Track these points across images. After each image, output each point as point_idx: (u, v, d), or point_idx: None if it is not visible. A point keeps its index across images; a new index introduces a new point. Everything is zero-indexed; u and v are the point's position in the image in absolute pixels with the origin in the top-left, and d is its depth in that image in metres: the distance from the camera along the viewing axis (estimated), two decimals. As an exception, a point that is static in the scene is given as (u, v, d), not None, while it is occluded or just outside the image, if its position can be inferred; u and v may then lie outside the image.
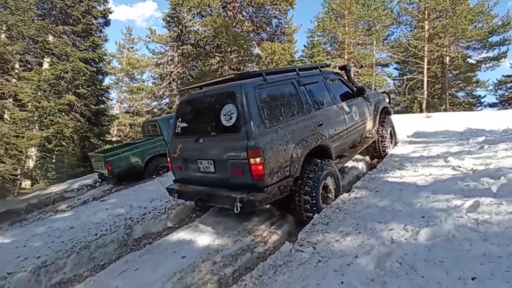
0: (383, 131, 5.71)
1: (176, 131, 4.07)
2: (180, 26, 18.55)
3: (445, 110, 24.14)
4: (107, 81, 21.17)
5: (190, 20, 18.29)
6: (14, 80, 15.06)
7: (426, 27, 24.55)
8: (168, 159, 4.18)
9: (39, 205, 7.38)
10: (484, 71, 26.33)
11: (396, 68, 31.52)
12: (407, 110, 26.83)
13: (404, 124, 9.59)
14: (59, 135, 15.10)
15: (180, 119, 4.04)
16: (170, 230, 4.17)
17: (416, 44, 24.87)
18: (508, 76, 29.78)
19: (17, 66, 15.33)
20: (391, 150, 6.01)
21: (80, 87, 16.28)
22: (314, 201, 3.54)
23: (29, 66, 15.44)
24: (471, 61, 26.06)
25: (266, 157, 3.12)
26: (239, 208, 3.07)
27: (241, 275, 2.83)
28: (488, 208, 2.70)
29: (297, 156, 3.46)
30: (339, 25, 25.28)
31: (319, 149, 3.83)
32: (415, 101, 26.29)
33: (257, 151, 3.07)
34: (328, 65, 5.18)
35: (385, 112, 5.99)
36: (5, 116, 14.85)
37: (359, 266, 2.36)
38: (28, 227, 5.11)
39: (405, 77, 27.96)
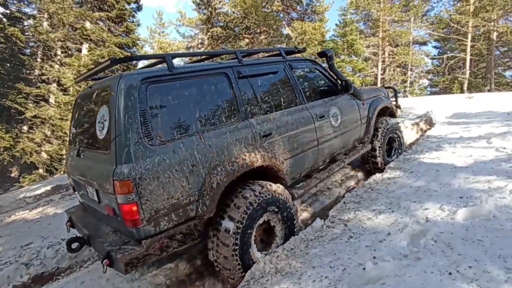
0: (378, 139, 4.34)
1: (70, 137, 3.08)
2: (210, 9, 18.55)
3: (489, 90, 22.42)
4: (140, 65, 21.86)
5: (220, 2, 18.21)
6: (57, 66, 16.03)
7: (472, 0, 22.52)
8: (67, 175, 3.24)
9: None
10: (538, 47, 23.90)
11: (435, 47, 29.55)
12: (446, 91, 25.23)
13: (443, 105, 9.09)
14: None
15: (73, 122, 3.04)
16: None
17: (460, 19, 22.98)
18: None
19: (59, 52, 16.26)
20: (437, 126, 5.19)
21: (116, 72, 17.00)
22: (241, 254, 2.41)
23: (69, 52, 16.32)
24: (522, 36, 23.69)
25: (146, 192, 2.05)
26: (105, 267, 2.12)
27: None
28: (535, 189, 2.57)
29: (210, 186, 2.33)
30: (373, 1, 23.89)
31: (261, 170, 2.73)
32: (456, 81, 24.63)
33: (127, 183, 1.99)
34: (302, 50, 3.86)
35: (388, 114, 4.77)
36: (51, 100, 15.95)
37: (392, 242, 2.37)
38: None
39: (445, 56, 26.18)
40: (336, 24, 26.66)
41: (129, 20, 17.67)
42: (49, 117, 14.99)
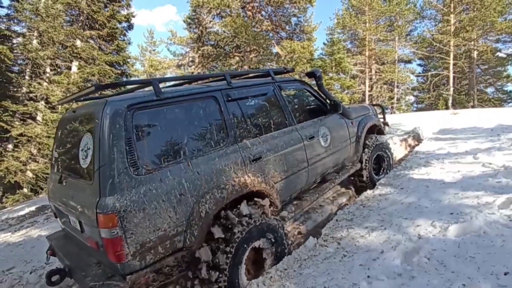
0: (366, 157, 4.34)
1: (52, 162, 2.94)
2: (201, 28, 18.86)
3: (473, 106, 23.15)
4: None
5: (210, 21, 18.55)
6: (45, 84, 15.86)
7: (452, 21, 23.62)
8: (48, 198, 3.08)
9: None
10: (516, 65, 25.01)
11: (419, 64, 30.60)
12: (432, 107, 25.95)
13: (429, 121, 9.31)
14: (86, 135, 15.77)
15: (55, 145, 2.93)
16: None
17: (441, 38, 23.99)
18: (542, 70, 28.17)
19: (48, 70, 16.13)
20: (424, 141, 5.33)
21: (106, 90, 16.92)
22: (230, 282, 2.28)
23: (59, 70, 16.22)
24: (501, 54, 24.85)
25: (131, 225, 1.94)
26: None
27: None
28: (522, 205, 2.62)
29: (198, 215, 2.24)
30: (359, 21, 24.78)
31: (250, 195, 2.65)
32: (441, 98, 25.39)
33: (111, 217, 1.88)
34: (291, 70, 3.90)
35: (377, 132, 4.76)
36: (38, 117, 15.68)
37: (386, 261, 2.35)
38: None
39: (429, 73, 27.10)
40: (324, 43, 27.44)
41: (120, 39, 17.80)
42: (35, 135, 14.69)
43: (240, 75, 3.67)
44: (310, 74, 4.08)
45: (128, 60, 18.88)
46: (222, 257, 2.24)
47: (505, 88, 28.14)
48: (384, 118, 5.25)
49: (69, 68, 16.35)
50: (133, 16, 18.29)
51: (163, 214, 2.08)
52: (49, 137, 14.69)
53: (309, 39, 19.45)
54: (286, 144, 3.06)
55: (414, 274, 2.12)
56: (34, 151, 15.30)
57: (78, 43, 16.03)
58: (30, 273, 3.50)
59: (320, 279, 2.35)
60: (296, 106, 3.72)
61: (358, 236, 2.89)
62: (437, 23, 26.13)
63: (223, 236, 2.31)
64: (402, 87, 28.46)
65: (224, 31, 17.95)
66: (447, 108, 22.22)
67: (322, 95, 3.96)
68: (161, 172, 2.14)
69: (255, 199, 2.68)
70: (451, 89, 24.70)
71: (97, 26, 16.72)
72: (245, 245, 2.40)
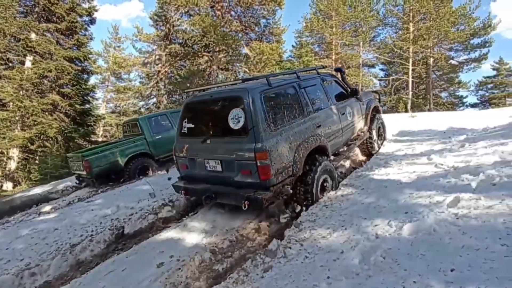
0: (372, 128, 5.98)
1: (182, 131, 4.17)
2: (168, 25, 18.38)
3: (429, 110, 24.74)
4: (92, 80, 20.75)
5: (178, 19, 18.15)
6: (-6, 79, 14.59)
7: (411, 29, 25.09)
8: (174, 157, 4.33)
9: (22, 207, 7.17)
10: (466, 72, 27.28)
11: (382, 69, 32.20)
12: (393, 110, 27.34)
13: (390, 123, 9.76)
14: (42, 135, 14.69)
15: (186, 120, 4.15)
16: (158, 230, 4.14)
17: (402, 45, 25.41)
18: (488, 77, 30.89)
19: (-3, 64, 14.86)
20: (381, 146, 6.26)
21: (65, 87, 15.87)
22: (314, 193, 3.81)
23: (10, 64, 14.99)
24: (453, 62, 26.87)
25: (272, 158, 3.29)
26: (246, 206, 3.29)
27: (229, 272, 2.85)
28: (467, 203, 2.80)
29: (299, 156, 3.64)
30: (326, 26, 25.56)
31: (318, 148, 4.03)
32: (401, 101, 26.85)
33: (264, 153, 3.24)
34: (325, 67, 5.98)
35: (376, 111, 6.30)
36: (-15, 116, 14.37)
37: (345, 261, 2.42)
38: (10, 229, 4.98)
39: (391, 78, 28.55)
40: (292, 46, 27.98)
41: (81, 33, 16.83)
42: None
43: (304, 71, 5.18)
44: (337, 70, 6.15)
45: (90, 56, 17.89)
46: (309, 180, 3.77)
47: (457, 93, 30.55)
48: (379, 101, 6.81)
49: (22, 63, 15.17)
50: (96, 10, 17.40)
51: (284, 153, 3.51)
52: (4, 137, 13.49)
53: (278, 41, 19.71)
54: (331, 117, 4.61)
55: (370, 273, 2.19)
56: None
57: (33, 36, 14.92)
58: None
59: (282, 282, 2.36)
60: (332, 92, 5.05)
61: (320, 237, 2.94)
62: (397, 30, 27.67)
63: (310, 170, 3.81)
64: (366, 90, 29.73)
65: (193, 30, 17.67)
66: (406, 111, 23.53)
67: (344, 84, 5.53)
68: (280, 130, 3.56)
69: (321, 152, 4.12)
70: (410, 93, 26.25)
71: (54, 19, 15.67)
72: (319, 175, 3.89)
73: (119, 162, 7.44)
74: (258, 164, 3.24)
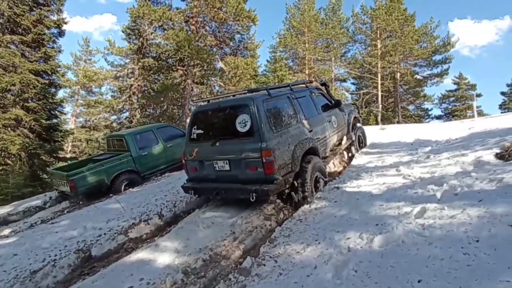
0: (353, 136, 6.86)
1: (192, 137, 4.69)
2: (141, 39, 18.18)
3: (398, 122, 25.92)
4: (61, 94, 19.89)
5: (152, 33, 18.01)
6: (-50, 93, 13.64)
7: (379, 46, 26.45)
8: (183, 161, 4.79)
9: (-22, 231, 6.60)
10: (430, 86, 29.05)
11: (353, 83, 33.44)
12: (364, 122, 28.33)
13: (361, 136, 10.07)
14: (3, 152, 13.79)
15: (195, 127, 4.67)
16: (128, 252, 3.95)
17: (370, 61, 26.66)
18: (450, 91, 33.03)
19: (-46, 77, 13.92)
20: (356, 155, 6.76)
21: (30, 101, 15.09)
22: (309, 187, 4.32)
23: (-31, 77, 14.09)
24: (418, 77, 28.50)
25: (275, 156, 3.90)
26: (254, 197, 3.86)
27: (202, 294, 2.75)
28: (433, 213, 2.92)
29: (296, 155, 4.28)
30: (299, 41, 26.39)
31: (310, 150, 4.64)
32: (371, 114, 27.95)
33: (269, 151, 3.84)
34: (311, 82, 6.37)
35: (356, 120, 7.21)
36: None
37: (319, 276, 2.42)
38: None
39: (361, 92, 29.72)
40: (267, 60, 28.56)
41: (48, 46, 16.19)
42: None
43: (295, 85, 5.65)
44: (323, 84, 6.73)
45: (58, 69, 17.21)
46: (305, 177, 4.29)
47: (423, 106, 32.31)
48: (358, 112, 7.70)
49: (-17, 76, 14.29)
50: (65, 23, 16.86)
51: (284, 152, 4.11)
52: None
53: (253, 56, 20.02)
54: (320, 124, 5.28)
55: (342, 288, 2.20)
56: None
57: (-4, 48, 14.17)
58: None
59: (256, 301, 2.31)
60: (319, 103, 5.73)
61: (294, 253, 2.93)
62: (366, 46, 29.04)
63: (306, 166, 4.36)
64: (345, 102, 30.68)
65: (167, 44, 17.58)
66: (377, 123, 24.49)
67: (329, 96, 6.35)
68: (280, 132, 4.18)
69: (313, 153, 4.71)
70: (380, 106, 27.40)
71: (20, 30, 15.02)
72: (313, 172, 4.47)
73: (105, 181, 7.29)
74: (264, 160, 3.83)
